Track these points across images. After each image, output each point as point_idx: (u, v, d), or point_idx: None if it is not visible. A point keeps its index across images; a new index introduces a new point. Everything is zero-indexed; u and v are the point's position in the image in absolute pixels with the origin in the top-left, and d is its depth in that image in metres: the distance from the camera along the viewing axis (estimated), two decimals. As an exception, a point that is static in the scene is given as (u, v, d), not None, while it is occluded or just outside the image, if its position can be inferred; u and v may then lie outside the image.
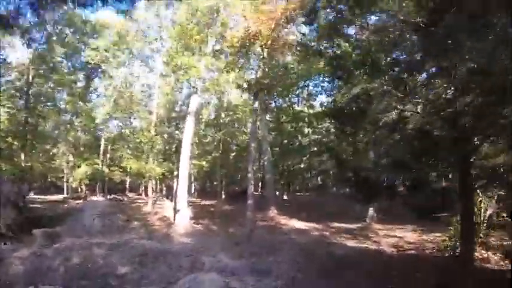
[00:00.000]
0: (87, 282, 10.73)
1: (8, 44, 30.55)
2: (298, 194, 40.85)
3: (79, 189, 38.41)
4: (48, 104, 34.18)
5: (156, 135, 32.96)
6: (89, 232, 16.73)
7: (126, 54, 33.27)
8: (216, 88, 25.32)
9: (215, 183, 41.64)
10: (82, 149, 34.20)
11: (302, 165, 38.32)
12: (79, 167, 31.19)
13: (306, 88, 36.38)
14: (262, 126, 29.79)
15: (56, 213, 18.14)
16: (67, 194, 36.46)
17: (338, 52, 9.50)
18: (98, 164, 31.73)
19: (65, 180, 37.44)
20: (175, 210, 20.80)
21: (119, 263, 11.87)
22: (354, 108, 9.00)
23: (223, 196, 32.51)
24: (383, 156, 10.18)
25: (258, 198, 26.29)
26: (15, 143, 28.13)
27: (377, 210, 20.41)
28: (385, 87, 7.40)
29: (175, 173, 28.72)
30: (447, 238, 12.51)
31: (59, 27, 33.40)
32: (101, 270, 11.47)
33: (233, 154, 39.20)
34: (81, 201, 29.69)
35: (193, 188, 43.04)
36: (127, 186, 41.08)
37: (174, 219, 21.12)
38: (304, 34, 15.88)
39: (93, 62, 33.01)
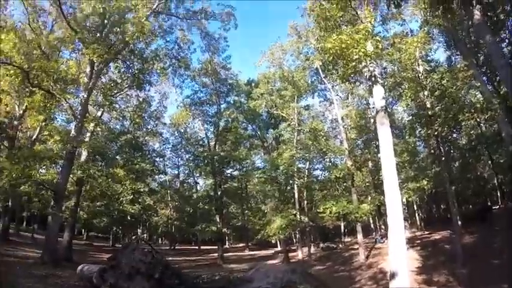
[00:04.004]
0: None
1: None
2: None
3: (294, 241, 36.65)
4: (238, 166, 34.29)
5: (353, 165, 26.94)
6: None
7: (290, 90, 30.05)
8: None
9: (442, 206, 30.04)
10: (274, 201, 31.33)
11: None
12: (273, 221, 27.94)
13: None
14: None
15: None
16: (280, 247, 35.46)
17: None
18: (295, 214, 27.72)
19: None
20: (391, 275, 12.74)
21: None
22: None
23: (459, 222, 21.27)
24: None
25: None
26: (207, 207, 29.67)
27: None
28: None
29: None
30: None
31: (233, 98, 34.23)
32: None
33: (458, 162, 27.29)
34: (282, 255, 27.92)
35: (417, 217, 33.20)
36: (342, 230, 35.31)
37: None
38: None
39: (259, 110, 31.74)
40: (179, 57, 26.94)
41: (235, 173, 35.31)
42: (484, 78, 18.44)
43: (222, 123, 32.61)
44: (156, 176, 33.01)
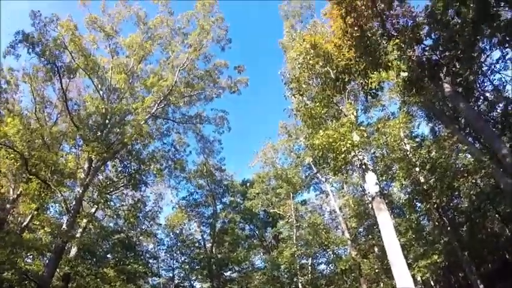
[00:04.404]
0: None
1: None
2: None
3: None
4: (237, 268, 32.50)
5: (358, 254, 25.72)
6: None
7: (285, 187, 30.64)
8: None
9: (460, 274, 27.73)
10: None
11: None
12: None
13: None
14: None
15: None
16: None
17: None
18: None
19: None
20: None
21: None
22: None
23: (481, 286, 19.38)
24: None
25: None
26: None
27: None
28: None
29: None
30: None
31: (229, 199, 34.50)
32: None
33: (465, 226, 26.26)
34: None
35: None
36: None
37: None
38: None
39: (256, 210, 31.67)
40: (175, 159, 27.82)
41: (234, 275, 32.84)
42: (470, 138, 19.20)
43: (219, 225, 31.94)
44: (149, 279, 30.55)
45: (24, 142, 15.69)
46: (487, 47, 16.69)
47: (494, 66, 18.46)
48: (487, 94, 19.89)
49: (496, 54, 18.03)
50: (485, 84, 19.73)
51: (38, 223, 18.60)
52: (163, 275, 31.77)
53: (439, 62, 16.52)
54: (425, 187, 21.63)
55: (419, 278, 24.54)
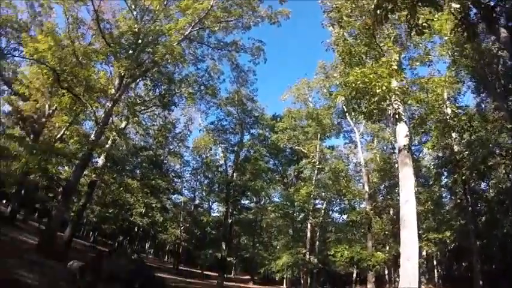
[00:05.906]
0: None
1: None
2: None
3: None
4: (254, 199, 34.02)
5: (372, 209, 25.61)
6: None
7: (314, 127, 29.89)
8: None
9: (464, 263, 27.27)
10: (287, 238, 29.88)
11: None
12: (279, 258, 26.70)
13: None
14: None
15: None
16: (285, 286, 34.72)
17: None
18: (303, 254, 26.48)
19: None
20: None
21: None
22: None
23: (481, 282, 18.73)
24: None
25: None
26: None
27: None
28: None
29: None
30: None
31: (257, 131, 34.75)
32: None
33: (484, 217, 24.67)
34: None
35: (435, 273, 30.11)
36: (353, 277, 32.54)
37: None
38: None
39: (282, 145, 31.58)
40: (208, 84, 27.68)
41: (252, 205, 34.79)
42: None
43: (243, 154, 32.59)
44: (172, 196, 33.14)
45: (56, 58, 16.16)
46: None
47: None
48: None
49: None
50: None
51: (68, 133, 19.95)
52: (185, 194, 34.21)
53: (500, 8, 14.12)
54: (457, 157, 20.22)
55: (424, 252, 24.40)
